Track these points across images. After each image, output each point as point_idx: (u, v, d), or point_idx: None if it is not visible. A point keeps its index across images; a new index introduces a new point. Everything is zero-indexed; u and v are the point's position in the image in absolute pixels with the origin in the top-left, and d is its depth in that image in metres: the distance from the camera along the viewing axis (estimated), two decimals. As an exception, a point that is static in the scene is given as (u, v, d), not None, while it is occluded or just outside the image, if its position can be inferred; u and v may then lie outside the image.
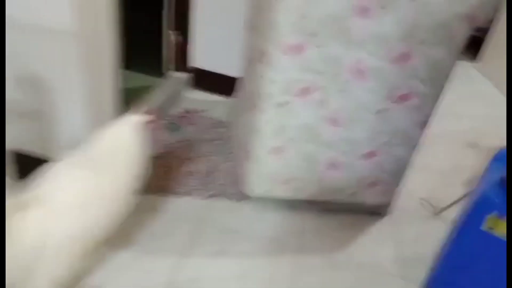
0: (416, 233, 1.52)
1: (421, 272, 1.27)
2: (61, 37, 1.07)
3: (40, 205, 0.91)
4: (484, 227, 0.95)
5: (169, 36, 1.96)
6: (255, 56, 1.28)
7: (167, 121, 1.83)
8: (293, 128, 1.28)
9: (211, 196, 1.50)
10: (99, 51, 1.22)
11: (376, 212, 1.55)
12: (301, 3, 1.07)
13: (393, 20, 1.09)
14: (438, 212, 1.61)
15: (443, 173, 1.91)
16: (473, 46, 3.09)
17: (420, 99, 1.24)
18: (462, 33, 1.13)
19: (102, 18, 1.20)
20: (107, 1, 1.18)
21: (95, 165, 1.00)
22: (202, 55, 2.04)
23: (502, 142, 1.18)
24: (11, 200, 0.86)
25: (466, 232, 1.02)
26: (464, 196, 1.49)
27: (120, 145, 1.04)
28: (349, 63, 1.16)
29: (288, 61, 1.16)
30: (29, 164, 1.32)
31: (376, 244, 1.46)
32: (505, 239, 0.94)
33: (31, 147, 1.31)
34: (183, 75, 2.07)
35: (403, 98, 1.23)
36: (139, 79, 2.04)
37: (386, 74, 1.18)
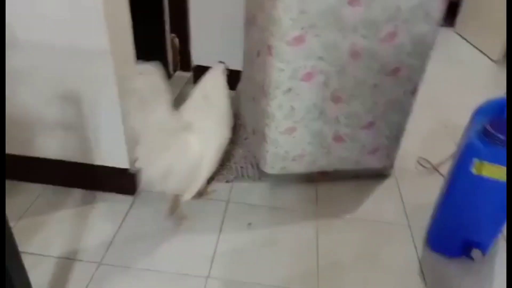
0: (417, 188, 1.73)
1: (425, 219, 1.48)
2: (97, 55, 1.23)
3: (192, 129, 1.35)
4: (472, 170, 1.14)
5: (172, 39, 2.12)
6: (262, 49, 1.44)
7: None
8: (302, 109, 1.46)
9: (234, 178, 1.68)
10: (125, 63, 1.38)
11: (380, 174, 1.74)
12: (299, 0, 1.23)
13: (379, 6, 1.26)
14: (435, 167, 1.81)
15: (435, 133, 2.11)
16: (450, 13, 3.28)
17: (409, 71, 1.42)
18: (438, 9, 1.31)
19: (126, 33, 1.35)
20: (127, 17, 1.34)
21: (210, 101, 1.44)
22: (202, 53, 2.20)
23: (483, 97, 1.38)
24: (177, 123, 1.31)
25: (458, 176, 1.21)
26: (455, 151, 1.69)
27: (218, 84, 1.48)
28: (345, 47, 1.33)
29: (292, 51, 1.33)
30: (73, 172, 1.50)
31: (384, 201, 1.66)
32: (492, 180, 1.14)
33: (74, 157, 1.48)
34: (187, 74, 2.23)
35: (394, 71, 1.41)
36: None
37: (378, 53, 1.36)
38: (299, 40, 1.30)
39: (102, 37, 1.20)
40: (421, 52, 1.39)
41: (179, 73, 2.23)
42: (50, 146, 1.47)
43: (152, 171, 1.24)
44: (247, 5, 1.72)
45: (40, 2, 1.17)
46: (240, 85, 2.02)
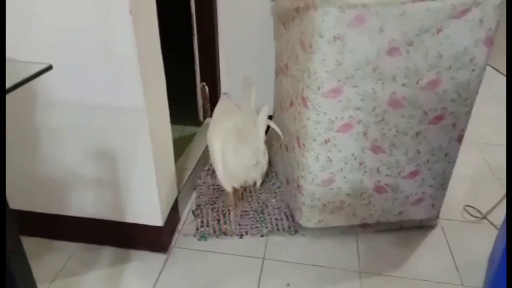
0: (467, 239, 1.60)
1: (479, 276, 1.34)
2: (132, 112, 1.22)
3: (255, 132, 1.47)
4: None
5: (202, 87, 2.12)
6: (296, 100, 1.41)
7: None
8: (340, 160, 1.40)
9: (268, 232, 1.61)
10: (160, 119, 1.37)
11: (426, 225, 1.63)
12: (335, 53, 1.20)
13: (420, 55, 1.21)
14: (484, 215, 1.68)
15: (481, 177, 1.98)
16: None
17: (454, 117, 1.35)
18: (483, 55, 1.24)
19: (161, 91, 1.35)
20: (162, 74, 1.34)
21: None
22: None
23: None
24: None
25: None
26: (505, 195, 1.57)
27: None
28: (384, 97, 1.28)
29: (329, 103, 1.28)
30: (106, 229, 1.47)
31: (431, 255, 1.53)
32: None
33: (106, 214, 1.45)
34: (217, 120, 2.23)
35: (437, 119, 1.34)
36: (180, 129, 2.19)
37: (420, 100, 1.29)
38: (335, 91, 1.26)
39: (137, 95, 1.20)
40: (465, 98, 1.32)
41: (208, 120, 2.22)
42: (84, 204, 1.45)
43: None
44: (278, 53, 1.71)
45: (76, 59, 1.18)
46: (271, 132, 1.98)
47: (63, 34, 1.14)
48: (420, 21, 1.17)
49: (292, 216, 1.64)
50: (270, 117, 1.71)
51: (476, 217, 1.70)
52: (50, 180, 1.40)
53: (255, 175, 1.59)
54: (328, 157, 1.39)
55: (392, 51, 1.20)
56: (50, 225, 1.50)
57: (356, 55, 1.20)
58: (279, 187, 1.84)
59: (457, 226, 1.67)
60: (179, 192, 1.63)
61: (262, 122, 1.45)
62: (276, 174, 1.89)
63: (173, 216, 1.58)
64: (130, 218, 1.45)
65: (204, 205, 1.74)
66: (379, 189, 1.49)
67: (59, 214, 1.48)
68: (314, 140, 1.36)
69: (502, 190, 1.86)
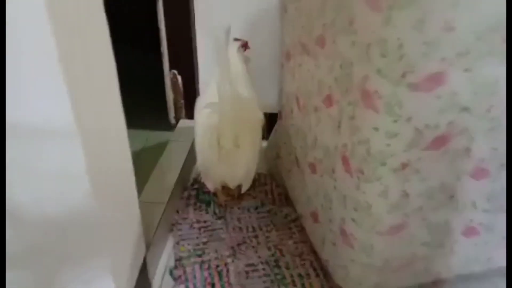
0: None
1: None
2: (53, 139, 0.60)
3: None
4: None
5: (172, 77, 1.50)
6: (346, 97, 0.83)
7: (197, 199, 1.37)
8: (421, 194, 0.84)
9: (292, 298, 1.04)
10: (110, 143, 0.75)
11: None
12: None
13: None
14: None
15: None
16: None
17: None
18: None
19: (110, 92, 0.73)
20: (109, 64, 0.72)
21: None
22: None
23: None
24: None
25: None
26: None
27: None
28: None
29: (420, 100, 0.72)
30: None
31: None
32: None
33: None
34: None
35: None
36: (143, 137, 1.57)
37: None
38: (435, 79, 0.70)
39: (60, 107, 0.58)
40: None
41: (183, 123, 1.61)
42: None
43: None
44: (290, 22, 1.12)
45: None
46: (276, 138, 1.41)
47: None
48: None
49: (325, 272, 1.08)
50: (271, 120, 1.21)
51: None
52: None
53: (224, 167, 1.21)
54: (404, 191, 0.83)
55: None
56: None
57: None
58: (295, 220, 1.27)
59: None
60: (148, 247, 1.03)
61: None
62: (289, 199, 1.33)
63: (141, 284, 0.98)
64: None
65: (187, 257, 1.14)
66: (469, 232, 0.95)
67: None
68: (384, 164, 0.80)
69: None
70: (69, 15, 0.59)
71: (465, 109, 0.74)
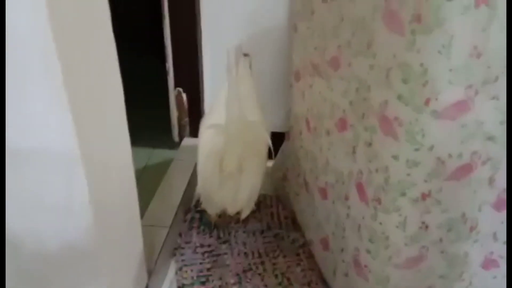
0: None
1: None
2: (51, 164, 0.56)
3: None
4: None
5: (176, 95, 1.47)
6: (362, 122, 0.80)
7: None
8: (441, 226, 0.80)
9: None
10: (114, 168, 0.71)
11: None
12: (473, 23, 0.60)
13: None
14: None
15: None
16: None
17: None
18: None
19: (115, 112, 0.69)
20: (116, 82, 0.68)
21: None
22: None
23: None
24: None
25: None
26: None
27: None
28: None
29: (444, 128, 0.68)
30: None
31: None
32: None
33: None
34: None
35: None
36: (145, 155, 1.53)
37: None
38: (460, 106, 0.66)
39: (61, 129, 0.53)
40: None
41: (187, 141, 1.57)
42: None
43: None
44: (301, 41, 1.09)
45: None
46: (283, 159, 1.36)
47: None
48: None
49: (336, 302, 1.03)
50: (276, 139, 1.18)
51: None
52: None
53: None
54: (423, 222, 0.79)
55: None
56: None
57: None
58: (303, 245, 1.22)
59: None
60: (149, 274, 0.98)
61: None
62: (297, 223, 1.28)
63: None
64: None
65: (190, 285, 1.08)
66: (489, 264, 0.90)
67: None
68: (403, 194, 0.75)
69: None
70: (74, 35, 0.56)
71: (491, 138, 0.70)
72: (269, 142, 1.17)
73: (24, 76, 0.50)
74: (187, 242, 1.22)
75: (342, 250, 0.96)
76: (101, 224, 0.63)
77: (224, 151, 1.12)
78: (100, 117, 0.63)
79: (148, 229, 1.05)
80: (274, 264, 1.16)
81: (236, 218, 1.25)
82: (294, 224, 1.29)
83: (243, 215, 1.24)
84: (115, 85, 0.69)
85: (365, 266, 0.87)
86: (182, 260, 1.15)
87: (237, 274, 1.12)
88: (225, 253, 1.19)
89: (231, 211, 1.21)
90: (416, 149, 0.70)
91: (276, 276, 1.12)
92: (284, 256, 1.18)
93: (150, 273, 0.98)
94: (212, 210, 1.23)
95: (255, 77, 1.32)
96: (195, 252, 1.19)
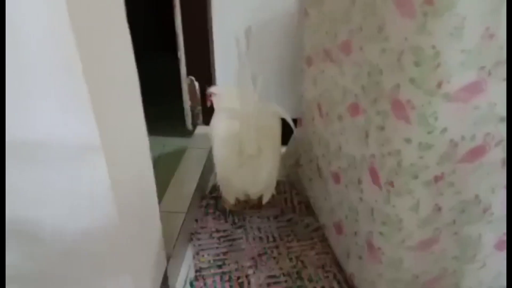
0: None
1: None
2: (75, 157, 0.58)
3: None
4: None
5: (189, 83, 1.48)
6: (374, 107, 0.80)
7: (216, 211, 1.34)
8: (454, 208, 0.80)
9: (316, 313, 1.01)
10: (133, 157, 0.73)
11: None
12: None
13: None
14: None
15: None
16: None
17: None
18: None
19: (132, 103, 0.71)
20: (132, 73, 0.70)
21: None
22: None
23: None
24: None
25: None
26: None
27: None
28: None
29: (456, 111, 0.68)
30: None
31: None
32: None
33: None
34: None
35: None
36: (160, 143, 1.56)
37: None
38: (472, 89, 0.66)
39: (83, 120, 0.56)
40: None
41: (201, 129, 1.59)
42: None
43: None
44: (311, 27, 1.09)
45: None
46: (295, 145, 1.38)
47: None
48: None
49: (350, 285, 1.05)
50: (288, 125, 1.16)
51: None
52: None
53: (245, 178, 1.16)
54: (436, 205, 0.80)
55: None
56: None
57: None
58: (317, 229, 1.24)
59: None
60: (168, 259, 1.01)
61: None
62: (310, 208, 1.30)
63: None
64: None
65: (207, 268, 1.12)
66: (503, 245, 0.91)
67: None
68: (416, 177, 0.76)
69: None
70: (92, 27, 0.57)
71: (504, 119, 0.70)
72: (292, 125, 1.15)
73: (50, 71, 0.52)
74: (203, 227, 1.25)
75: (356, 233, 0.97)
76: (122, 210, 0.66)
77: (242, 134, 1.13)
78: (118, 107, 0.65)
79: (165, 215, 1.08)
80: (288, 248, 1.18)
81: (250, 205, 1.27)
82: (308, 209, 1.31)
83: (265, 199, 1.24)
84: (131, 75, 0.71)
85: (379, 248, 0.89)
86: (199, 245, 1.19)
87: (253, 258, 1.14)
88: (240, 238, 1.21)
89: (253, 192, 1.21)
90: (429, 132, 0.71)
91: (290, 259, 1.14)
92: (298, 240, 1.21)
93: (168, 257, 1.01)
94: (232, 195, 1.23)
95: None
96: (211, 237, 1.22)
